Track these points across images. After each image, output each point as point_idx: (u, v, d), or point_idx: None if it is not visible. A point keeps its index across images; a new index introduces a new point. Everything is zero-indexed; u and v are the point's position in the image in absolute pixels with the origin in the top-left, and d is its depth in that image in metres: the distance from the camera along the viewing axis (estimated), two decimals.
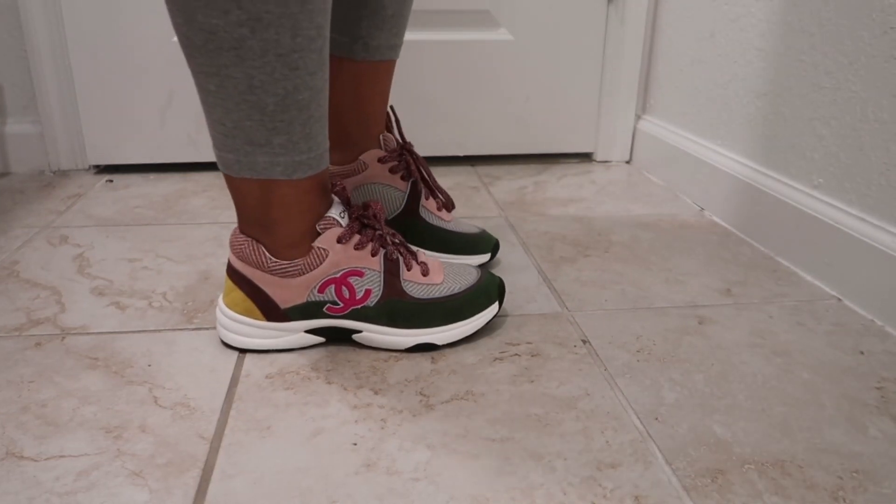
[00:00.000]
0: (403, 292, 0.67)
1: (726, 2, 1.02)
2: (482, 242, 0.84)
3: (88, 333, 0.70)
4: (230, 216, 1.02)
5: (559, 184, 1.20)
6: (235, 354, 0.66)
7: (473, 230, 0.85)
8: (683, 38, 1.16)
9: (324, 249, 0.64)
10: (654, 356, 0.67)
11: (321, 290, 0.65)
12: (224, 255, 0.89)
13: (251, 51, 0.55)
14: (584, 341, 0.70)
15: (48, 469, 0.51)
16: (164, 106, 1.21)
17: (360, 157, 0.79)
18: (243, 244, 0.64)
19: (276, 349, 0.67)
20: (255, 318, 0.66)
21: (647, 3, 1.24)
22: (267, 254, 0.64)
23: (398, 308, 0.66)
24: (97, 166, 1.25)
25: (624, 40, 1.27)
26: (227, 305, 0.66)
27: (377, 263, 0.66)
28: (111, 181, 1.19)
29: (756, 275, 0.85)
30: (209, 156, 1.24)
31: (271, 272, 0.64)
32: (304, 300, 0.65)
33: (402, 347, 0.67)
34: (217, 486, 0.50)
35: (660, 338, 0.71)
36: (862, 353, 0.68)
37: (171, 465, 0.52)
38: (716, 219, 1.04)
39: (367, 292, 0.66)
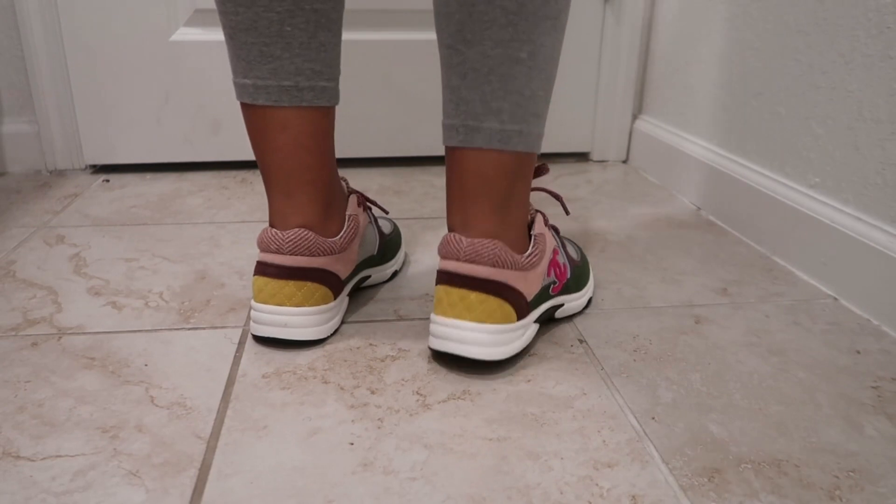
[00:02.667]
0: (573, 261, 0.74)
1: (722, 1, 1.02)
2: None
3: (85, 333, 0.70)
4: (226, 216, 1.02)
5: (555, 183, 1.21)
6: (232, 354, 0.66)
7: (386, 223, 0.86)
8: (679, 38, 1.16)
9: (541, 234, 0.66)
10: (651, 356, 0.67)
11: (548, 274, 0.67)
12: (220, 255, 0.88)
13: (561, 22, 0.59)
14: (580, 341, 0.70)
15: (45, 469, 0.51)
16: (161, 105, 1.20)
17: (349, 214, 0.71)
18: (495, 248, 0.61)
19: (522, 348, 0.65)
20: (510, 322, 0.63)
21: (644, 2, 1.24)
22: (512, 250, 0.62)
23: (576, 274, 0.73)
24: (94, 166, 1.25)
25: (620, 40, 1.27)
26: (481, 320, 0.62)
27: (555, 239, 0.71)
28: (108, 181, 1.18)
29: (752, 274, 0.85)
30: (205, 155, 1.24)
31: (522, 268, 0.63)
32: (540, 287, 0.66)
33: (580, 309, 0.75)
34: (213, 485, 0.50)
35: (656, 337, 0.71)
36: (858, 352, 0.69)
37: (168, 465, 0.52)
38: (712, 218, 1.04)
39: (566, 266, 0.71)
